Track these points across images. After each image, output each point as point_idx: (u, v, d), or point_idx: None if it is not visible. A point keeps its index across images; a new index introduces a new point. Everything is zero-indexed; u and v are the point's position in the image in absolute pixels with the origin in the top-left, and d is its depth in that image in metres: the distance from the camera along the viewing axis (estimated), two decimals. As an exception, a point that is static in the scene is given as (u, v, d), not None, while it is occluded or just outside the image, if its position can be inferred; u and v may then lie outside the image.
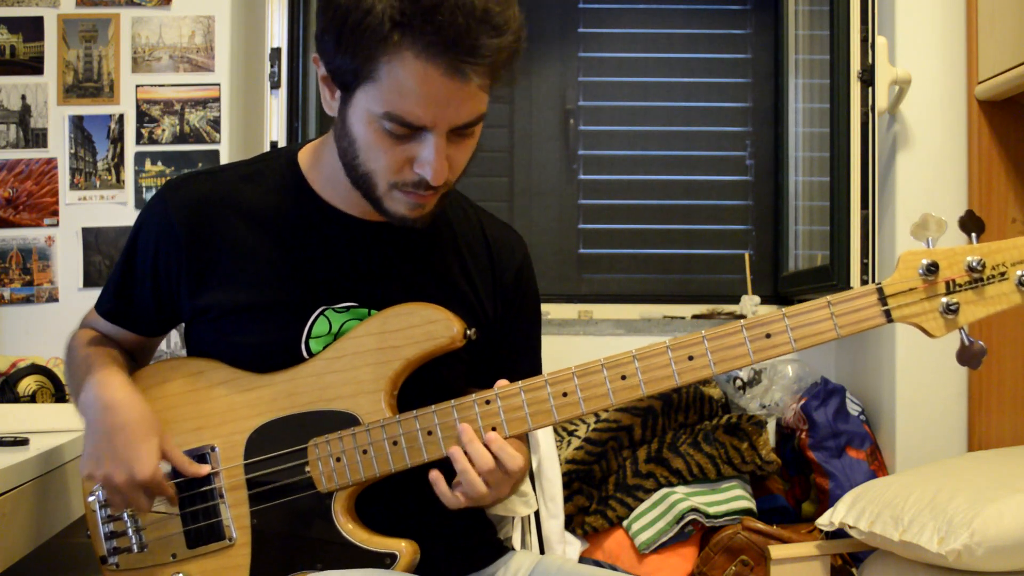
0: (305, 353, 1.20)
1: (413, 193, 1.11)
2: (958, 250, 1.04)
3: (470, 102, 1.06)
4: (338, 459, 1.15)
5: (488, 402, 1.12)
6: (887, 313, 1.05)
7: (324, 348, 1.19)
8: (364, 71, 1.05)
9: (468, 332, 1.17)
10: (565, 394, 1.10)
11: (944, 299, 1.04)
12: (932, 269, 1.04)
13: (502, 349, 1.32)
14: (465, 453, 1.10)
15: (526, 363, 1.34)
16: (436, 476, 1.12)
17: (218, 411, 1.20)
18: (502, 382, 1.13)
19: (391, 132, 1.06)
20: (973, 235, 1.05)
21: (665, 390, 1.09)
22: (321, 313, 1.20)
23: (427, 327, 1.15)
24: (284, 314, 1.20)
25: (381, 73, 1.03)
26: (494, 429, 1.12)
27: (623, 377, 1.09)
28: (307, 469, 1.16)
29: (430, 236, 1.26)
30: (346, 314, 1.20)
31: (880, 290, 1.05)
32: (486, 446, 1.10)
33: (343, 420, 1.16)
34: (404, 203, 1.13)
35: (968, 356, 1.06)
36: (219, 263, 1.21)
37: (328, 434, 1.16)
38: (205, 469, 1.19)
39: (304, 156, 1.26)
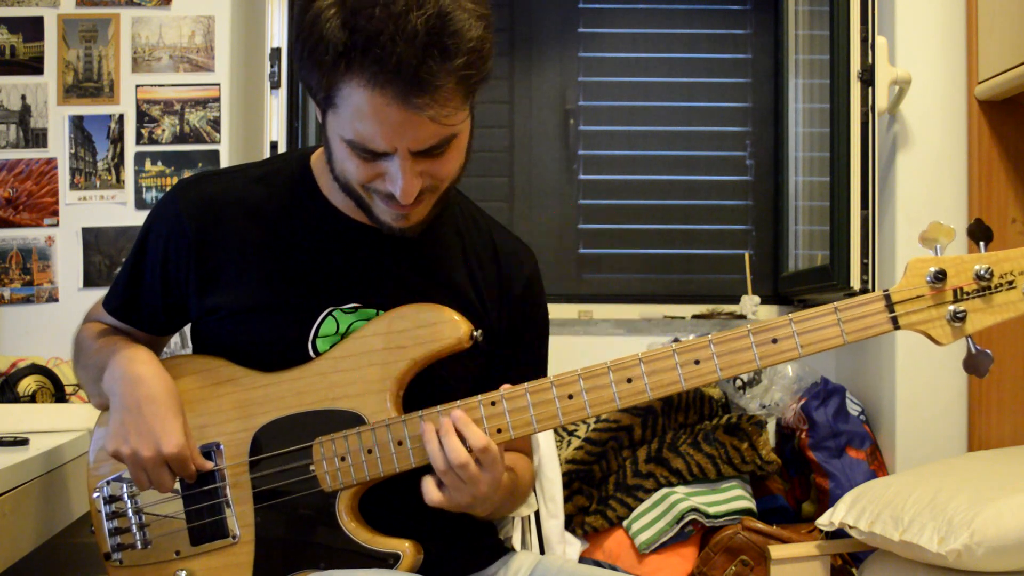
0: (312, 353, 1.20)
1: (392, 203, 1.12)
2: (966, 258, 1.05)
3: (428, 128, 1.03)
4: (343, 458, 1.15)
5: (493, 403, 1.12)
6: (894, 320, 1.05)
7: (331, 348, 1.19)
8: (326, 96, 1.05)
9: (475, 334, 1.17)
10: (571, 396, 1.11)
11: (951, 307, 1.04)
12: (940, 277, 1.04)
13: (508, 362, 1.31)
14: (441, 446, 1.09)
15: (531, 377, 1.33)
16: (426, 479, 1.11)
17: (223, 409, 1.20)
18: (506, 385, 1.13)
19: (358, 155, 1.07)
20: (981, 243, 1.05)
21: (671, 394, 1.10)
22: (329, 313, 1.20)
23: (434, 328, 1.16)
24: (291, 314, 1.20)
25: (338, 100, 1.03)
26: (499, 431, 1.12)
27: (629, 380, 1.09)
28: (312, 468, 1.16)
29: (438, 242, 1.27)
30: (353, 315, 1.20)
31: (887, 297, 1.06)
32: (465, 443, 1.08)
33: (349, 420, 1.16)
34: (388, 213, 1.14)
35: (974, 364, 1.06)
36: (228, 264, 1.21)
37: (333, 433, 1.16)
38: (210, 465, 1.19)
39: (316, 159, 1.27)
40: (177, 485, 1.19)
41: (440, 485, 1.09)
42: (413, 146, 1.05)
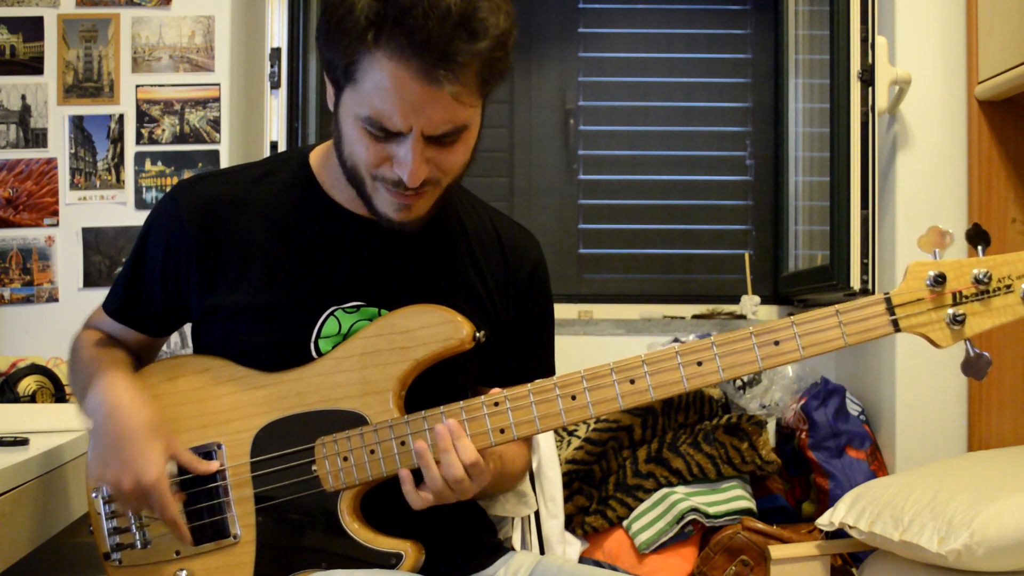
0: (314, 353, 1.20)
1: (396, 192, 1.12)
2: (965, 262, 1.06)
3: (446, 110, 1.05)
4: (345, 458, 1.15)
5: (497, 404, 1.12)
6: (895, 323, 1.07)
7: (333, 348, 1.19)
8: (347, 70, 1.06)
9: (477, 335, 1.17)
10: (574, 397, 1.11)
11: (951, 310, 1.06)
12: (939, 280, 1.05)
13: (514, 350, 1.32)
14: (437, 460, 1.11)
15: (537, 365, 1.34)
16: (405, 475, 1.13)
17: (225, 409, 1.20)
18: (496, 389, 1.14)
19: (371, 133, 1.08)
20: (980, 248, 1.06)
21: (674, 395, 1.10)
22: (331, 313, 1.20)
23: (437, 328, 1.16)
24: (294, 314, 1.20)
25: (360, 74, 1.05)
26: (503, 431, 1.12)
27: (632, 381, 1.10)
28: (314, 468, 1.16)
29: (441, 235, 1.27)
30: (356, 314, 1.20)
31: (888, 300, 1.07)
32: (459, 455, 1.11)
33: (351, 420, 1.16)
34: (390, 203, 1.14)
35: (973, 367, 1.07)
36: (229, 264, 1.21)
37: (336, 433, 1.16)
38: (212, 466, 1.19)
39: (315, 156, 1.27)
40: (176, 490, 1.19)
41: (421, 487, 1.13)
42: (427, 128, 1.06)
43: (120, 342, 1.33)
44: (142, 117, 2.43)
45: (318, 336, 1.20)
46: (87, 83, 2.43)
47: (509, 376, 1.26)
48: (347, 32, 1.03)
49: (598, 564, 2.05)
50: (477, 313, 1.24)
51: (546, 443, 1.81)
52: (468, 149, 1.14)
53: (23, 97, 2.42)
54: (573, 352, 2.62)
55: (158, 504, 1.15)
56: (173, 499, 1.16)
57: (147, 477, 1.13)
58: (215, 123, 2.43)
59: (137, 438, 1.14)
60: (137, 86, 2.43)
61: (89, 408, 1.20)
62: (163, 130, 2.43)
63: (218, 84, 2.44)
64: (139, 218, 2.41)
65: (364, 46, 1.02)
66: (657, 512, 2.05)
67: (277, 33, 2.65)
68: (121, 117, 2.43)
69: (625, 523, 2.07)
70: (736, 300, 2.74)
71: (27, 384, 1.89)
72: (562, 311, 2.77)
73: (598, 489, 2.13)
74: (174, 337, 2.12)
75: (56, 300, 2.40)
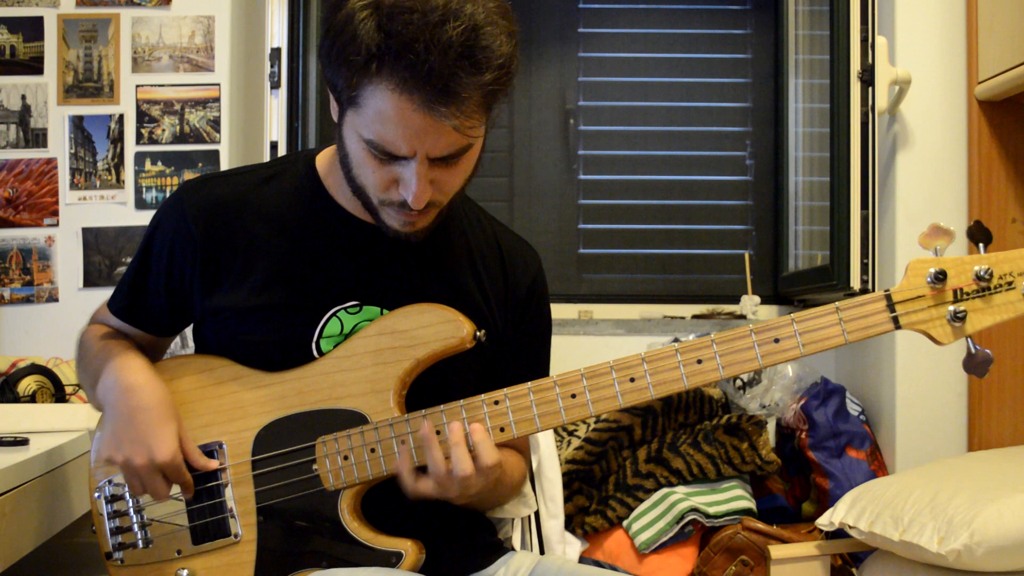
0: (316, 352, 1.20)
1: (401, 211, 1.13)
2: (966, 259, 1.06)
3: (448, 136, 1.05)
4: (346, 457, 1.16)
5: (497, 402, 1.13)
6: (895, 320, 1.06)
7: (334, 347, 1.19)
8: (350, 95, 1.06)
9: (478, 334, 1.17)
10: (574, 395, 1.11)
11: (951, 307, 1.05)
12: (940, 277, 1.05)
13: (510, 364, 1.32)
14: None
15: (533, 378, 1.34)
16: (400, 467, 1.13)
17: (227, 408, 1.20)
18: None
19: (375, 156, 1.08)
20: (981, 245, 1.06)
21: (673, 393, 1.10)
22: (334, 314, 1.21)
23: (437, 327, 1.16)
24: (296, 314, 1.21)
25: (363, 99, 1.05)
26: (502, 430, 1.12)
27: (632, 379, 1.10)
28: (314, 467, 1.17)
29: (444, 244, 1.28)
30: (359, 314, 1.21)
31: (888, 297, 1.07)
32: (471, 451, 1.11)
33: (351, 419, 1.16)
34: (396, 219, 1.15)
35: (974, 364, 1.07)
36: (233, 265, 1.22)
37: (336, 432, 1.16)
38: (212, 464, 1.19)
39: (322, 160, 1.28)
40: (177, 489, 1.19)
41: (423, 476, 1.12)
42: (432, 152, 1.07)
43: (128, 337, 1.33)
44: (142, 117, 2.43)
45: (320, 336, 1.20)
46: (87, 83, 2.43)
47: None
48: (350, 60, 1.03)
49: (598, 564, 2.05)
50: (476, 321, 1.24)
51: (546, 443, 1.81)
52: (471, 166, 1.16)
53: (23, 97, 2.42)
54: (573, 352, 2.62)
55: (176, 479, 1.16)
56: (189, 477, 1.17)
57: (161, 455, 1.14)
58: (215, 123, 2.43)
59: (152, 415, 1.15)
60: (137, 86, 2.43)
61: (102, 390, 1.20)
62: (163, 130, 2.43)
63: (218, 84, 2.44)
64: (139, 218, 2.41)
65: (367, 75, 1.03)
66: (657, 512, 2.04)
67: (277, 33, 2.65)
68: (121, 117, 2.43)
69: (625, 523, 2.07)
70: (736, 300, 2.74)
71: (27, 384, 1.89)
72: (562, 311, 2.77)
73: (598, 489, 2.13)
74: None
75: (56, 300, 2.40)
